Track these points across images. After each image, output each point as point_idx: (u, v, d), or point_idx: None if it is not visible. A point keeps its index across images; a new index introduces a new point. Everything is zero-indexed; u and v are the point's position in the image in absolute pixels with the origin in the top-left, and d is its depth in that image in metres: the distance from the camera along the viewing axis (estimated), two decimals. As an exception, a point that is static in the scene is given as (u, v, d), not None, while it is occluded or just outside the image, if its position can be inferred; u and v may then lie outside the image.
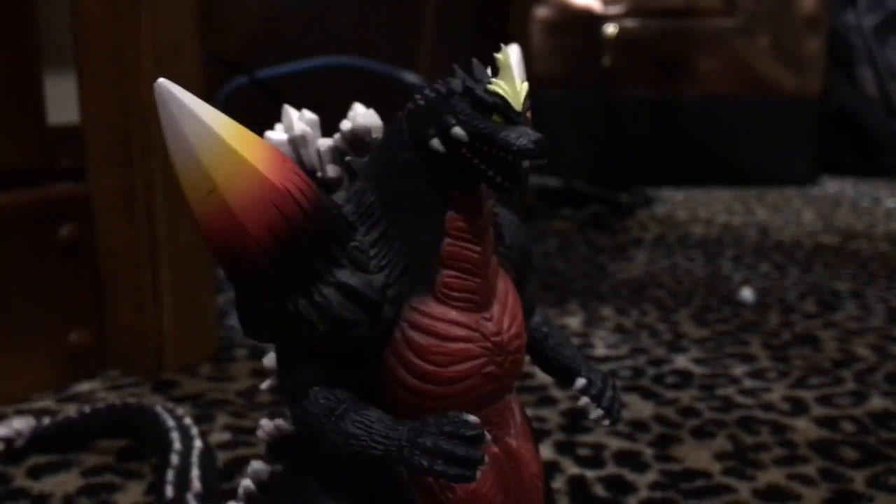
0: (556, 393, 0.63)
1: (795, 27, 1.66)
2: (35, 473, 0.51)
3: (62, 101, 0.74)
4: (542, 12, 1.70)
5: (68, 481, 0.50)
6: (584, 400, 0.32)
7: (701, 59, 1.67)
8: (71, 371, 0.65)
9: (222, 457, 0.53)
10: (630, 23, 1.67)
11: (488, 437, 0.27)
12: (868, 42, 1.76)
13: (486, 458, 0.26)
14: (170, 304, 0.66)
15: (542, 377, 0.65)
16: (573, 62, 1.70)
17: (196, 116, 0.26)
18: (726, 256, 1.09)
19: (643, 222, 1.33)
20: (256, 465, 0.34)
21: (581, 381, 0.32)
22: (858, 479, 0.50)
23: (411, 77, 1.14)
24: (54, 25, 0.74)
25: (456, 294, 0.28)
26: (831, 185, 1.70)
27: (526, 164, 0.27)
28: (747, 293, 0.89)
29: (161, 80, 0.26)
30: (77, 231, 0.65)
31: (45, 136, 0.66)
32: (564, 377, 0.33)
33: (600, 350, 0.73)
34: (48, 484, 0.50)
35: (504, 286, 0.30)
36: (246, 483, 0.34)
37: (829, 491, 0.49)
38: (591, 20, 1.68)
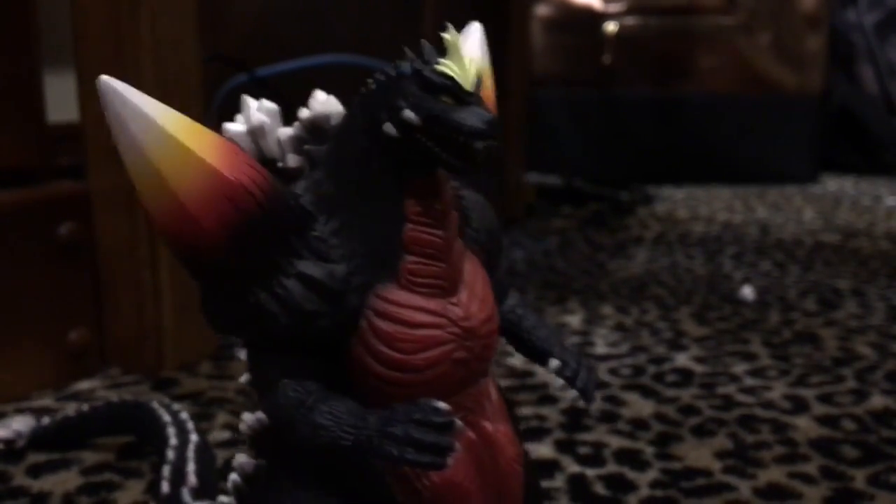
0: (557, 392, 0.62)
1: (796, 25, 1.66)
2: (35, 472, 0.51)
3: (62, 100, 0.74)
4: (542, 10, 1.69)
5: (68, 480, 0.50)
6: (559, 382, 0.32)
7: (701, 57, 1.67)
8: (71, 369, 0.65)
9: (222, 455, 0.53)
10: (630, 20, 1.67)
11: (459, 423, 0.26)
12: (869, 40, 1.76)
13: (458, 445, 0.26)
14: (169, 303, 0.66)
15: (542, 376, 0.65)
16: (573, 60, 1.70)
17: (141, 112, 0.25)
18: (727, 255, 1.09)
19: (643, 220, 1.33)
20: (241, 459, 0.33)
21: (555, 363, 0.32)
22: (859, 478, 0.50)
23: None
24: (54, 24, 0.74)
25: (420, 280, 0.28)
26: (832, 184, 1.70)
27: (479, 144, 0.26)
28: (748, 291, 0.89)
29: (103, 77, 0.25)
30: (77, 229, 0.65)
31: (44, 134, 0.66)
32: (539, 359, 0.33)
33: (601, 348, 0.73)
34: (48, 482, 0.50)
35: (472, 269, 0.30)
36: (234, 477, 0.34)
37: (830, 489, 0.49)
38: (592, 18, 1.68)
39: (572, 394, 0.32)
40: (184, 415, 0.50)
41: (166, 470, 0.45)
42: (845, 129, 1.79)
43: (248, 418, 0.33)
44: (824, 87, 1.68)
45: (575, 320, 0.81)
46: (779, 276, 0.98)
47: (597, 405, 0.60)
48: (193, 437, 0.48)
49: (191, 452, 0.46)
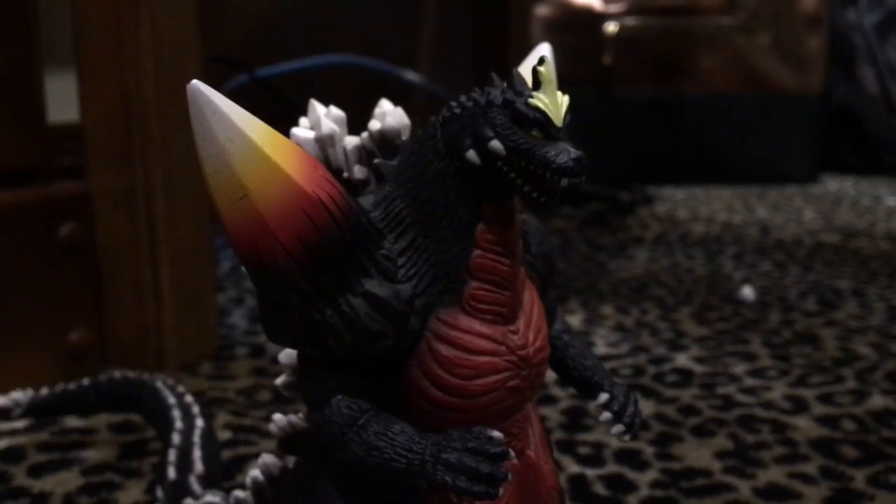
0: (557, 391, 0.62)
1: (796, 25, 1.66)
2: (35, 472, 0.51)
3: (62, 100, 0.74)
4: (542, 10, 1.69)
5: (69, 480, 0.50)
6: (606, 415, 0.32)
7: (702, 58, 1.67)
8: (71, 369, 0.65)
9: (223, 455, 0.53)
10: (631, 21, 1.67)
11: (512, 453, 0.26)
12: (869, 40, 1.76)
13: (510, 476, 0.26)
14: (170, 303, 0.66)
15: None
16: (574, 60, 1.70)
17: (229, 120, 0.25)
18: (727, 255, 1.09)
19: (644, 221, 1.33)
20: (268, 458, 0.33)
21: (604, 396, 0.32)
22: (859, 478, 0.50)
23: (412, 75, 1.14)
24: (54, 24, 0.74)
25: (484, 307, 0.28)
26: (832, 184, 1.70)
27: (564, 182, 0.26)
28: (748, 291, 0.89)
29: (194, 81, 0.25)
30: (77, 230, 0.65)
31: (45, 134, 0.66)
32: (585, 389, 0.33)
33: (601, 348, 0.73)
34: (48, 483, 0.50)
35: (530, 297, 0.30)
36: (255, 474, 0.34)
37: (830, 489, 0.49)
38: (592, 18, 1.68)
39: (618, 427, 0.32)
40: (189, 397, 0.49)
41: (172, 454, 0.44)
42: (845, 130, 1.79)
43: (280, 420, 0.32)
44: (824, 88, 1.68)
45: (575, 320, 0.81)
46: (779, 277, 0.98)
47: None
48: (199, 422, 0.47)
49: (197, 438, 0.45)
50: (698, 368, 0.68)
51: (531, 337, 0.29)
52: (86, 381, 0.54)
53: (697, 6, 1.66)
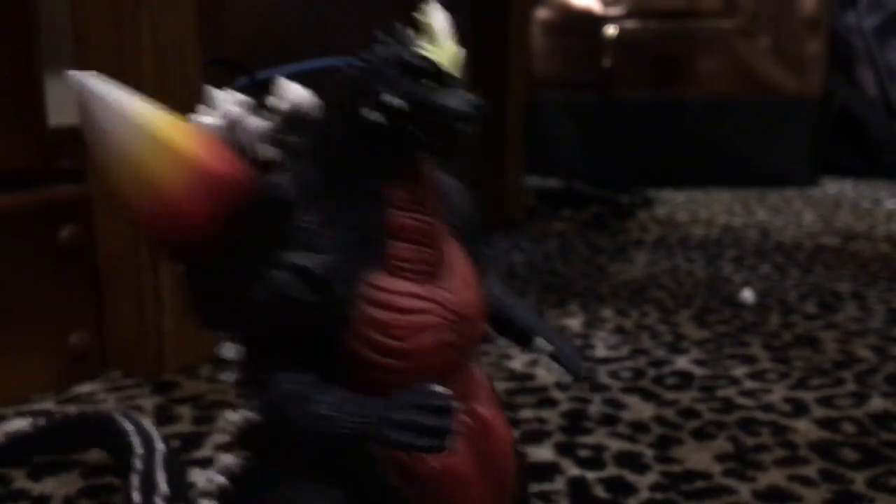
0: (557, 394, 0.63)
1: (796, 28, 1.66)
2: (35, 475, 0.51)
3: (63, 103, 0.74)
4: (542, 13, 1.70)
5: (69, 482, 0.50)
6: (544, 358, 0.32)
7: (701, 60, 1.67)
8: (71, 372, 0.65)
9: (223, 458, 0.53)
10: (630, 24, 1.67)
11: (458, 406, 0.26)
12: (868, 43, 1.76)
13: (457, 428, 0.26)
14: (170, 306, 0.66)
15: (542, 378, 0.65)
16: (573, 63, 1.70)
17: (119, 109, 0.24)
18: (727, 258, 1.09)
19: (643, 223, 1.33)
20: (226, 460, 0.33)
21: (540, 340, 0.32)
22: (859, 481, 0.50)
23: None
24: (55, 27, 0.74)
25: (409, 266, 0.28)
26: (832, 186, 1.70)
27: (460, 125, 0.26)
28: (748, 294, 0.89)
29: (72, 72, 0.24)
30: (77, 233, 0.65)
31: (45, 137, 0.66)
32: (521, 339, 0.33)
33: (601, 351, 0.73)
34: (48, 485, 0.50)
35: (456, 254, 0.30)
36: (218, 479, 0.33)
37: (830, 492, 0.49)
38: (592, 21, 1.68)
39: (559, 370, 0.32)
40: (147, 424, 0.49)
41: (135, 479, 0.44)
42: (845, 132, 1.80)
43: (234, 417, 0.32)
44: (824, 90, 1.68)
45: (575, 323, 0.81)
46: (779, 279, 0.98)
47: (597, 408, 0.60)
48: (160, 445, 0.46)
49: (158, 460, 0.45)
50: (698, 371, 0.68)
51: (462, 291, 0.29)
52: (42, 422, 0.52)
53: (697, 9, 1.66)
